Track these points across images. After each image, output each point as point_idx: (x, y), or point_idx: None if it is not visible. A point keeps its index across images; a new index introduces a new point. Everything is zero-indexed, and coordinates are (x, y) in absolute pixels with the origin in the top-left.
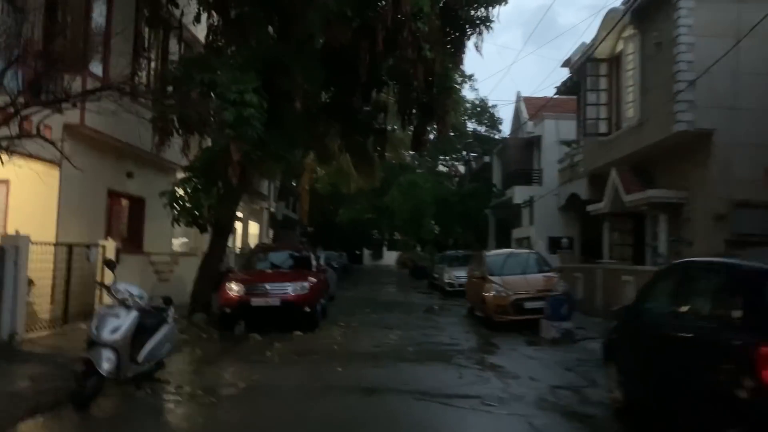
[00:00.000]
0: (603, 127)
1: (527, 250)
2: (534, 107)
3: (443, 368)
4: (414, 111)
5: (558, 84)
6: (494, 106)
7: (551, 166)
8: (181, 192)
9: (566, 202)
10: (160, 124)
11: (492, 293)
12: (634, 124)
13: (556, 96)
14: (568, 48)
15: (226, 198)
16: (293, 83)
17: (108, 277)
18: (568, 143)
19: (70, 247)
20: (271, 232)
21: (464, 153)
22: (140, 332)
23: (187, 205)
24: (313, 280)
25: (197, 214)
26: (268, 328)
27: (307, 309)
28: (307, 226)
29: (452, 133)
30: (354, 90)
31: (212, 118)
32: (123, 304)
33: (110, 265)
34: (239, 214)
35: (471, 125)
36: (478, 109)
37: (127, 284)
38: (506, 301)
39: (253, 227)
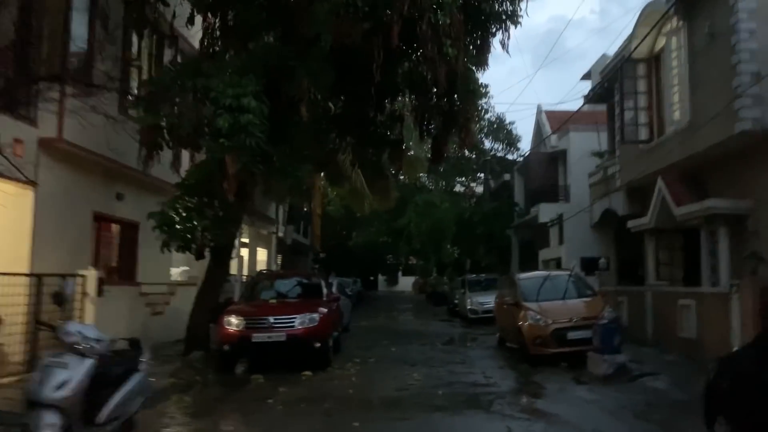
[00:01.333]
0: (644, 134)
1: (565, 272)
2: (556, 121)
3: (485, 419)
4: (433, 120)
5: (582, 94)
6: (512, 123)
7: (579, 182)
8: (172, 213)
9: (600, 218)
10: (147, 136)
11: (528, 322)
12: (683, 127)
13: (581, 108)
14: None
15: (223, 220)
16: (299, 88)
17: (57, 315)
18: (600, 154)
19: (39, 278)
20: (279, 258)
21: (480, 174)
22: (100, 385)
23: (178, 227)
24: (324, 310)
25: (189, 237)
26: (274, 366)
27: (318, 344)
28: (319, 252)
29: (468, 153)
30: (367, 98)
31: (206, 128)
32: (74, 350)
33: (58, 299)
34: (245, 240)
35: (488, 143)
36: (495, 126)
37: (82, 325)
38: (545, 331)
39: (261, 254)
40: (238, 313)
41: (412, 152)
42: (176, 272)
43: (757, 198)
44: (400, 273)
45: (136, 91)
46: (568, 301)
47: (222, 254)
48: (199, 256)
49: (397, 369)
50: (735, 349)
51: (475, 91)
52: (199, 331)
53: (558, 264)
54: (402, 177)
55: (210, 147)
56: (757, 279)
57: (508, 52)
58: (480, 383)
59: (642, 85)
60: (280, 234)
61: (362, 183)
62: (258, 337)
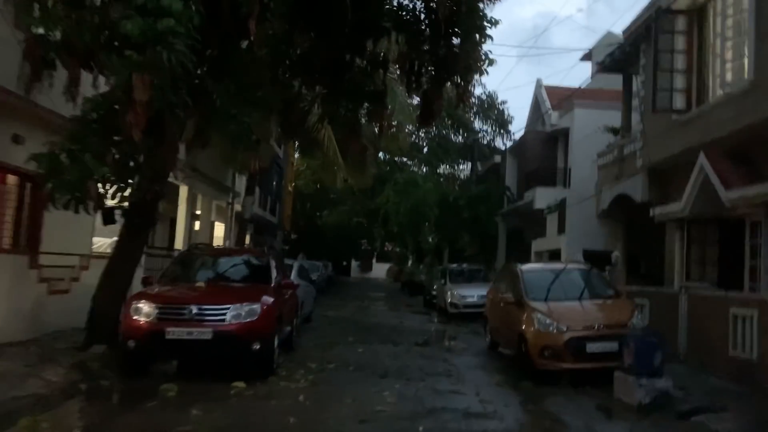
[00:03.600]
0: (679, 102)
1: (580, 265)
2: (557, 98)
3: None
4: (424, 69)
5: (589, 67)
6: (504, 102)
7: (582, 164)
8: (63, 156)
9: (609, 206)
10: (32, 49)
11: (534, 327)
12: (741, 90)
13: (594, 75)
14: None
15: (133, 170)
16: None
17: None
18: (615, 130)
19: None
20: (248, 238)
21: (465, 163)
22: None
23: (66, 176)
24: (269, 300)
25: (82, 190)
26: (201, 371)
27: (257, 345)
28: (290, 232)
29: (456, 133)
30: (341, 37)
31: (111, 38)
32: None
33: None
34: (197, 212)
35: (478, 124)
36: (486, 105)
37: None
38: (558, 340)
39: (219, 229)
40: (149, 299)
41: (395, 123)
42: (107, 243)
43: None
44: (374, 259)
45: None
46: (585, 302)
47: (139, 220)
48: (108, 219)
49: (362, 383)
50: None
51: (481, 28)
52: (104, 320)
53: (552, 256)
54: (382, 146)
55: (114, 64)
56: None
57: None
58: (475, 412)
59: (681, 42)
60: (239, 207)
61: (335, 151)
62: (174, 332)
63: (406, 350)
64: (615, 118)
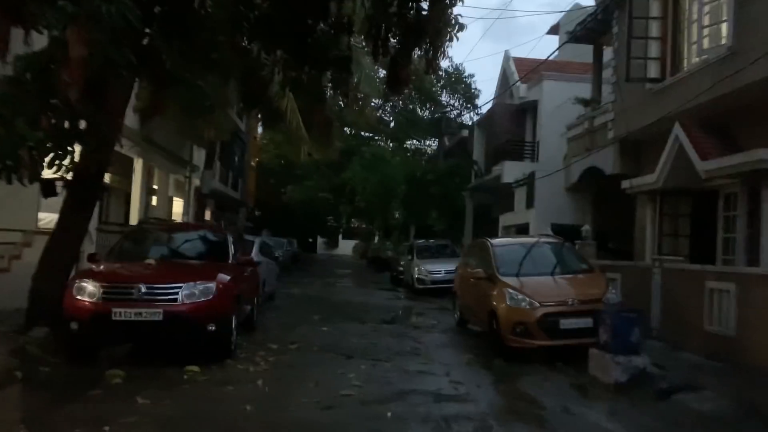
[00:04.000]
0: (654, 71)
1: (552, 239)
2: (525, 70)
3: None
4: (392, 33)
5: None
6: (471, 76)
7: (551, 138)
8: None
9: (578, 179)
10: None
11: (506, 303)
12: (719, 56)
13: (562, 46)
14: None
15: (70, 135)
16: None
17: None
18: (585, 102)
19: None
20: (209, 214)
21: (433, 140)
22: None
23: None
24: (226, 278)
25: (12, 157)
26: (152, 355)
27: (212, 327)
28: (254, 209)
29: (422, 108)
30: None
31: None
32: None
33: None
34: (154, 186)
35: (445, 97)
36: (453, 78)
37: None
38: (530, 316)
39: (178, 205)
40: (94, 277)
41: (361, 96)
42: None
43: None
44: (340, 236)
45: None
46: (558, 277)
47: (83, 192)
48: (48, 191)
49: (326, 364)
50: None
51: None
52: (46, 301)
53: (519, 231)
54: (348, 119)
55: (48, 18)
56: None
57: None
58: (446, 394)
59: (656, 9)
60: (198, 182)
61: (299, 123)
62: (121, 313)
63: (373, 328)
64: (584, 91)
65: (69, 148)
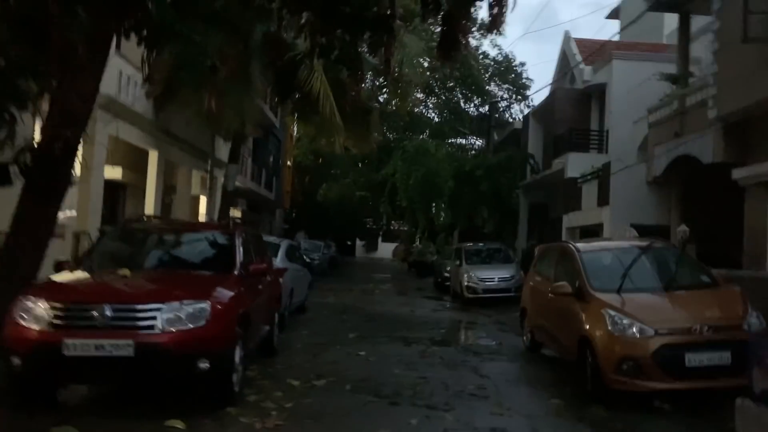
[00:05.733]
0: None
1: (657, 242)
2: (588, 52)
3: None
4: None
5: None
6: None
7: (621, 125)
8: None
9: (664, 171)
10: None
11: (607, 329)
12: None
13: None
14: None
15: (14, 99)
16: None
17: None
18: (675, 78)
19: None
20: (218, 210)
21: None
22: None
23: None
24: (227, 295)
25: None
26: (126, 396)
27: (204, 364)
28: (291, 211)
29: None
30: None
31: None
32: None
33: None
34: (175, 183)
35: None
36: (502, 68)
37: None
38: (644, 348)
39: (204, 205)
40: (44, 295)
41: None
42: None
43: None
44: (380, 238)
45: None
46: (673, 294)
47: (45, 181)
48: (2, 179)
49: (362, 416)
50: None
51: None
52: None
53: (585, 234)
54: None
55: None
56: None
57: None
58: None
59: None
60: (224, 179)
61: (332, 109)
62: (75, 345)
63: (421, 353)
64: (661, 70)
65: (7, 115)
